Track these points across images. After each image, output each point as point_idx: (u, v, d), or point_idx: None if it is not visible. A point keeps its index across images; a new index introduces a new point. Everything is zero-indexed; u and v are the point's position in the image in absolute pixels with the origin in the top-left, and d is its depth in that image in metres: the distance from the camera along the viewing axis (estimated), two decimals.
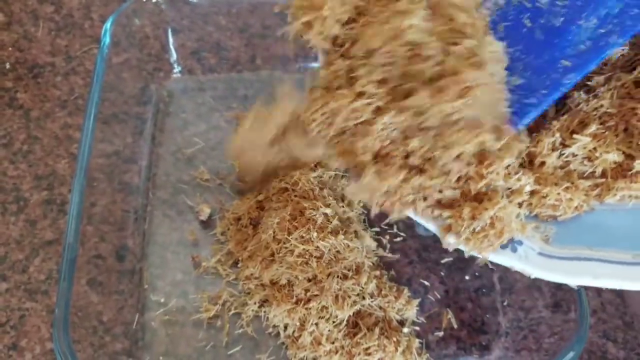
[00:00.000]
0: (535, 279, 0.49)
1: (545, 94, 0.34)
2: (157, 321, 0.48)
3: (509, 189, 0.35)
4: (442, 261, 0.51)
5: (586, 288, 0.51)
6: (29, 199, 0.53)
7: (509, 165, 0.35)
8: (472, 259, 0.51)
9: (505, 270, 0.51)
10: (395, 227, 0.52)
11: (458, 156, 0.32)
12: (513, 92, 0.35)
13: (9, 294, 0.49)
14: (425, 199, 0.34)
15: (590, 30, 0.34)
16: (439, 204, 0.35)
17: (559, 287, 0.47)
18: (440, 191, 0.34)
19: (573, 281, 0.35)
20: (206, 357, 0.46)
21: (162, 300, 0.48)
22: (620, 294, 0.51)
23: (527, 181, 0.35)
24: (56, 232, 0.52)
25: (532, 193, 0.36)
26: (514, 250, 0.36)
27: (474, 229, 0.34)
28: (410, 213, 0.35)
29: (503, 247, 0.35)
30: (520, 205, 0.35)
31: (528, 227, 0.36)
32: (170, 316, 0.48)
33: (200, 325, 0.47)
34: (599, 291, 0.51)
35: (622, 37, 0.33)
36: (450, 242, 0.35)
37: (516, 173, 0.35)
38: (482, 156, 0.33)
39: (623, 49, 0.37)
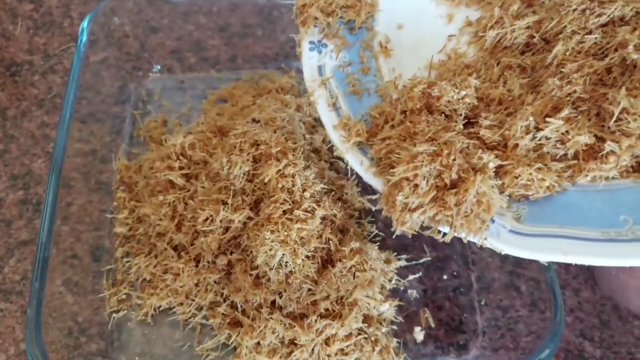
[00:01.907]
0: (513, 279, 0.50)
1: None
2: (133, 322, 0.47)
3: (474, 169, 0.35)
4: (421, 261, 0.51)
5: (563, 287, 0.52)
6: (4, 199, 0.53)
7: (465, 147, 0.36)
8: (450, 258, 0.52)
9: (484, 269, 0.51)
10: (374, 226, 0.52)
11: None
12: None
13: None
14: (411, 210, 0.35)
15: None
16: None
17: (536, 286, 0.47)
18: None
19: (543, 257, 0.35)
20: (182, 357, 0.46)
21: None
22: (595, 289, 0.52)
23: (489, 158, 0.36)
24: (32, 232, 0.51)
25: (505, 173, 0.37)
26: (486, 227, 0.36)
27: (465, 214, 0.35)
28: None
29: None
30: (490, 178, 0.36)
31: (503, 200, 0.36)
32: (147, 316, 0.47)
33: (177, 325, 0.47)
34: (576, 290, 0.52)
35: None
36: (446, 233, 0.36)
37: (475, 153, 0.36)
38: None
39: (596, 37, 0.39)
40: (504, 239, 0.36)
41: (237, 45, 0.62)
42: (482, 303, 0.50)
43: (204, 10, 0.61)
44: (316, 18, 0.42)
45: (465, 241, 0.36)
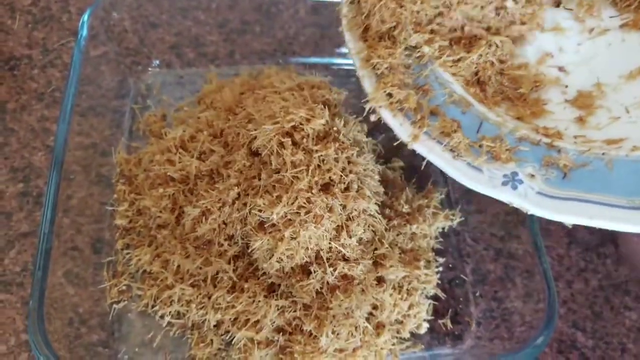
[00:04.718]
0: (507, 271, 0.51)
1: None
2: (133, 312, 0.48)
3: None
4: None
5: (556, 279, 0.53)
6: (4, 192, 0.53)
7: None
8: (446, 251, 0.52)
9: (478, 262, 0.52)
10: None
11: None
12: None
13: None
14: None
15: None
16: None
17: (530, 278, 0.48)
18: None
19: (568, 220, 0.37)
20: (182, 348, 0.47)
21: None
22: (589, 283, 0.53)
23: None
24: (32, 224, 0.52)
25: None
26: (514, 187, 0.38)
27: None
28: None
29: (504, 184, 0.38)
30: None
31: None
32: (147, 307, 0.48)
33: (178, 316, 0.48)
34: (569, 282, 0.53)
35: None
36: None
37: None
38: None
39: None
40: (531, 199, 0.37)
41: (235, 41, 0.63)
42: (477, 295, 0.51)
43: (202, 6, 0.62)
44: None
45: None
